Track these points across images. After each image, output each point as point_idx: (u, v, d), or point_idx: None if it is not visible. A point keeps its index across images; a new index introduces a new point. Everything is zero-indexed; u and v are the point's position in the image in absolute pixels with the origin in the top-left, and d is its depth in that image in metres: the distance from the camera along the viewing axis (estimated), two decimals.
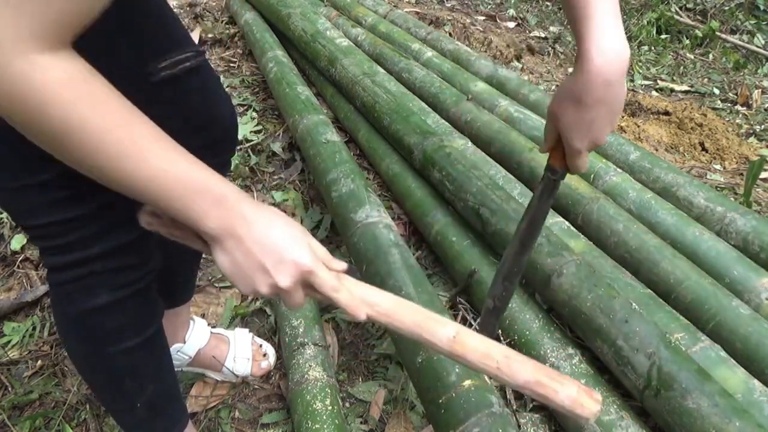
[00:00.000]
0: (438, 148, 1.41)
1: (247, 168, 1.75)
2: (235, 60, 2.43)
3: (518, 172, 1.51)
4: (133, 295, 0.72)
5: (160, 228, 0.58)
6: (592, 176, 1.49)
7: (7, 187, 0.61)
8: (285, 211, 1.44)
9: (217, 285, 1.37)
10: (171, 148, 0.51)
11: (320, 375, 1.03)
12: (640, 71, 2.85)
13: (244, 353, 1.14)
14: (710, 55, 3.15)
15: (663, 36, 3.31)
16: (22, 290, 1.34)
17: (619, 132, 2.01)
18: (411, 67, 2.01)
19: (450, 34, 2.77)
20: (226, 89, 1.93)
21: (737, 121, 2.38)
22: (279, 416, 1.09)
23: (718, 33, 3.22)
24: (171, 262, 0.85)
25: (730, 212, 1.35)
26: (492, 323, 0.99)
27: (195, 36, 2.51)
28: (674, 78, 2.85)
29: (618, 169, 1.50)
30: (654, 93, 2.64)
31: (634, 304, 0.99)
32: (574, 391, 0.55)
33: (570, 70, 2.76)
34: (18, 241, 1.44)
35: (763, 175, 1.86)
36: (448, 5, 3.47)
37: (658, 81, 2.78)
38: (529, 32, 3.22)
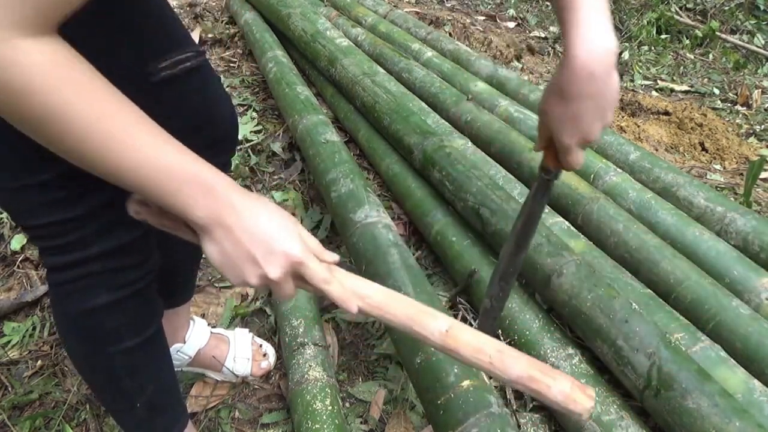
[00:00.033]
0: (438, 148, 1.41)
1: (247, 168, 1.75)
2: (235, 60, 2.43)
3: (518, 172, 1.51)
4: (133, 295, 0.72)
5: (148, 217, 0.58)
6: (592, 176, 1.49)
7: (7, 187, 0.61)
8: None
9: (217, 285, 1.37)
10: (159, 136, 0.51)
11: (320, 375, 1.03)
12: (640, 71, 2.85)
13: (244, 353, 1.14)
14: (710, 55, 3.15)
15: (663, 36, 3.31)
16: (22, 290, 1.34)
17: (619, 132, 2.01)
18: (411, 67, 2.01)
19: (450, 34, 2.76)
20: (226, 89, 1.93)
21: (737, 121, 2.38)
22: (279, 416, 1.09)
23: (718, 33, 3.22)
24: (171, 262, 0.85)
25: (730, 212, 1.35)
26: (490, 323, 0.99)
27: (195, 36, 2.51)
28: (674, 78, 2.85)
29: (618, 169, 1.50)
30: (654, 93, 2.64)
31: (634, 304, 0.99)
32: (567, 387, 0.55)
33: None
34: (18, 241, 1.44)
35: (763, 175, 1.86)
36: (448, 5, 3.47)
37: (658, 81, 2.78)
38: (529, 32, 3.22)
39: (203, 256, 0.57)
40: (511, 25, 3.26)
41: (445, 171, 1.35)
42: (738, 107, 2.54)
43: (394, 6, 2.85)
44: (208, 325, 1.16)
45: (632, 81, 2.74)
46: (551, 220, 1.33)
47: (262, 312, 1.31)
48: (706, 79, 2.87)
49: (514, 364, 0.56)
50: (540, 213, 0.86)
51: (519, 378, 0.55)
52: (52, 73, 0.44)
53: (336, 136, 1.57)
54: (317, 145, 1.51)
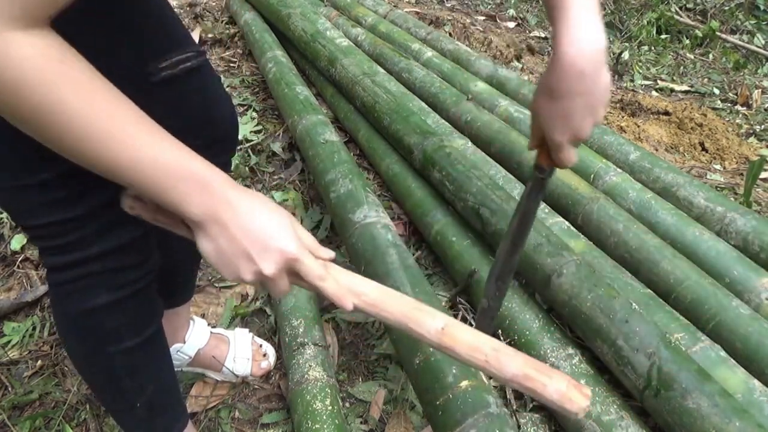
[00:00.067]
0: (438, 148, 1.41)
1: (247, 168, 1.75)
2: (235, 60, 2.43)
3: (518, 172, 1.51)
4: (133, 295, 0.72)
5: (143, 212, 0.57)
6: (592, 176, 1.49)
7: (7, 187, 0.61)
8: None
9: (217, 285, 1.37)
10: (156, 133, 0.50)
11: (320, 375, 1.03)
12: (640, 71, 2.85)
13: (244, 353, 1.14)
14: (710, 55, 3.15)
15: (663, 36, 3.31)
16: (22, 290, 1.34)
17: (619, 132, 2.01)
18: (411, 67, 2.01)
19: (450, 34, 2.76)
20: (226, 89, 1.93)
21: (737, 121, 2.38)
22: (279, 416, 1.09)
23: (718, 33, 3.22)
24: (171, 262, 0.85)
25: (730, 212, 1.35)
26: (488, 323, 0.99)
27: (195, 36, 2.51)
28: (674, 78, 2.85)
29: (618, 169, 1.50)
30: (654, 93, 2.64)
31: (634, 304, 0.99)
32: (563, 386, 0.54)
33: None
34: (18, 241, 1.44)
35: (763, 175, 1.86)
36: (448, 5, 3.47)
37: (658, 81, 2.78)
38: (529, 32, 3.22)
39: None
40: (511, 25, 3.26)
41: (445, 171, 1.35)
42: (738, 107, 2.54)
43: (394, 6, 2.85)
44: (208, 325, 1.16)
45: (632, 81, 2.74)
46: (551, 220, 1.33)
47: (262, 312, 1.31)
48: (706, 79, 2.87)
49: (510, 363, 0.55)
50: (535, 211, 0.86)
51: (515, 376, 0.55)
52: (45, 67, 0.44)
53: (335, 135, 1.57)
54: (316, 145, 1.51)
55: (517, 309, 1.14)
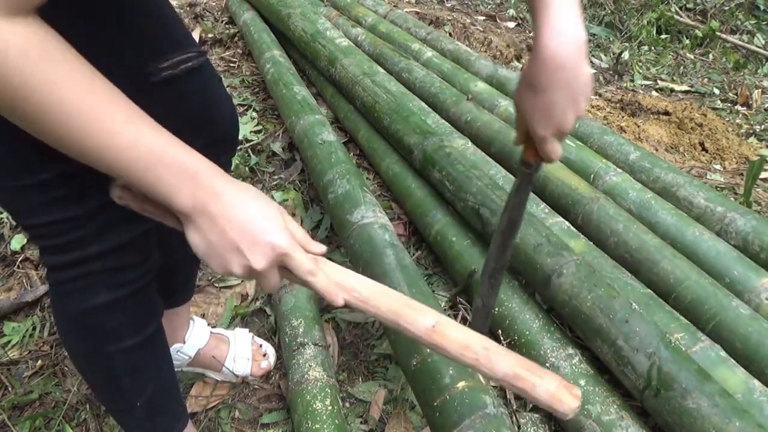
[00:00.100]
0: (438, 148, 1.41)
1: (247, 168, 1.75)
2: (235, 60, 2.43)
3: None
4: (133, 294, 0.72)
5: (131, 202, 0.57)
6: (592, 176, 1.49)
7: (7, 187, 0.61)
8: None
9: (217, 285, 1.37)
10: (141, 122, 0.50)
11: (320, 375, 1.03)
12: (640, 71, 2.85)
13: (244, 353, 1.14)
14: (710, 55, 3.15)
15: (663, 36, 3.31)
16: (22, 290, 1.34)
17: (619, 132, 2.01)
18: (411, 67, 2.01)
19: (450, 34, 2.76)
20: (226, 89, 1.93)
21: (737, 121, 2.38)
22: (279, 416, 1.09)
23: (718, 33, 3.22)
24: (171, 261, 0.85)
25: (730, 212, 1.35)
26: (482, 321, 0.99)
27: (195, 36, 2.51)
28: (674, 78, 2.85)
29: (618, 169, 1.50)
30: (654, 93, 2.64)
31: (634, 304, 0.99)
32: (553, 386, 0.54)
33: None
34: (18, 241, 1.44)
35: (763, 175, 1.86)
36: (448, 5, 3.47)
37: (658, 81, 2.78)
38: (529, 32, 3.22)
39: None
40: (511, 25, 3.26)
41: (445, 171, 1.35)
42: (738, 107, 2.53)
43: (394, 6, 2.85)
44: (208, 325, 1.16)
45: (632, 81, 2.74)
46: (551, 220, 1.33)
47: (262, 312, 1.31)
48: (706, 79, 2.87)
49: (501, 362, 0.55)
50: (524, 207, 0.86)
51: (505, 376, 0.55)
52: (28, 53, 0.43)
53: (333, 135, 1.57)
54: (314, 146, 1.51)
55: (517, 309, 1.14)
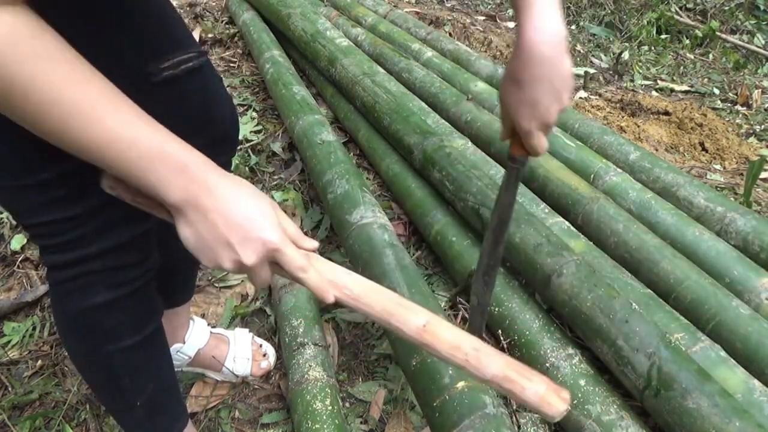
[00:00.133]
0: (438, 148, 1.41)
1: (247, 168, 1.75)
2: (235, 60, 2.43)
3: None
4: (132, 294, 0.72)
5: (123, 194, 0.56)
6: (592, 176, 1.49)
7: (7, 186, 0.61)
8: (285, 211, 1.44)
9: (217, 285, 1.37)
10: (130, 113, 0.49)
11: (320, 375, 1.03)
12: (640, 71, 2.85)
13: (244, 353, 1.14)
14: (710, 55, 3.15)
15: (663, 36, 3.31)
16: (22, 290, 1.34)
17: (619, 132, 2.01)
18: (411, 67, 2.01)
19: (450, 34, 2.76)
20: (227, 89, 1.93)
21: (737, 121, 2.38)
22: (279, 416, 1.09)
23: (718, 33, 3.22)
24: (171, 261, 0.85)
25: (730, 212, 1.35)
26: (479, 320, 0.99)
27: (195, 36, 2.51)
28: (674, 78, 2.85)
29: (618, 169, 1.50)
30: (654, 93, 2.64)
31: (634, 304, 0.99)
32: (542, 389, 0.54)
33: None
34: (18, 241, 1.44)
35: (763, 175, 1.86)
36: (448, 5, 3.47)
37: (658, 81, 2.78)
38: None
39: None
40: (511, 25, 3.26)
41: (445, 171, 1.35)
42: (738, 107, 2.54)
43: (394, 6, 2.85)
44: (208, 325, 1.16)
45: (632, 81, 2.74)
46: (551, 220, 1.33)
47: (262, 312, 1.31)
48: (706, 79, 2.87)
49: (491, 363, 0.55)
50: (513, 203, 0.87)
51: (494, 377, 0.55)
52: (17, 43, 0.43)
53: (332, 135, 1.57)
54: (314, 146, 1.51)
55: (517, 309, 1.14)
